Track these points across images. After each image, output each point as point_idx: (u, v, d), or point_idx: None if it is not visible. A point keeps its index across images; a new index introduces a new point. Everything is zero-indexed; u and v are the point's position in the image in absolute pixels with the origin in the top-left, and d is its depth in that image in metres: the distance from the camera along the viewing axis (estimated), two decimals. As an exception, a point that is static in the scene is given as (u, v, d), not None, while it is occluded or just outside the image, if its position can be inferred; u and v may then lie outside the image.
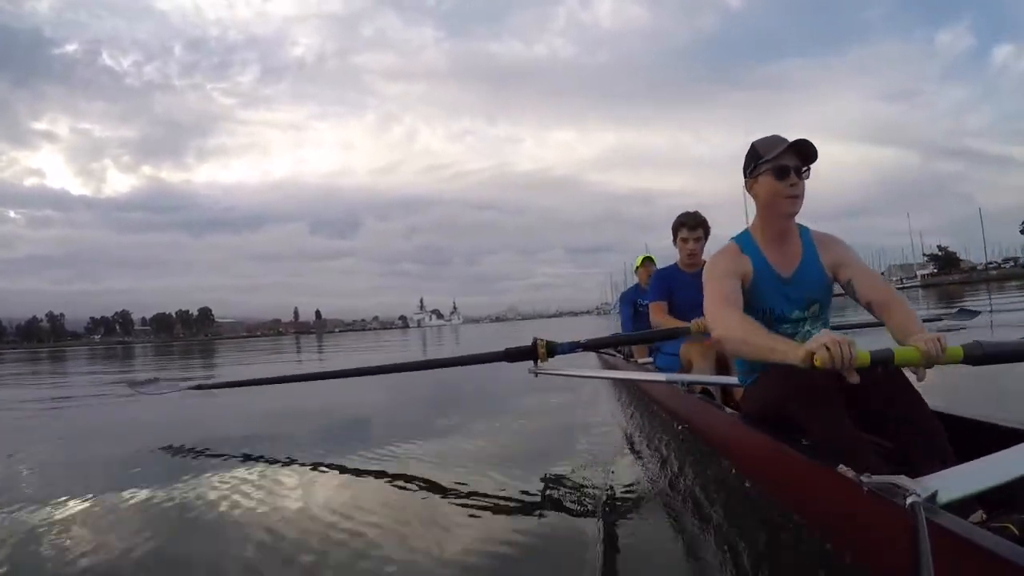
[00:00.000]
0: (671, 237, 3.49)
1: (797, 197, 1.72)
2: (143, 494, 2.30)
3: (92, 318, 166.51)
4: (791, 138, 1.72)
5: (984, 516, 1.18)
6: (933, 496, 1.05)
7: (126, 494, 2.31)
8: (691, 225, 3.34)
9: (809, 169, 1.73)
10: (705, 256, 3.37)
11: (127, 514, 2.10)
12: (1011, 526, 1.05)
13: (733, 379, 2.69)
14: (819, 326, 1.78)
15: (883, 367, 1.34)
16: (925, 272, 77.32)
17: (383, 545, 1.71)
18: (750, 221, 1.94)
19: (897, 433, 1.49)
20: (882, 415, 1.51)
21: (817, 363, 1.29)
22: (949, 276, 68.04)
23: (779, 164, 1.70)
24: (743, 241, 1.84)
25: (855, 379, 1.29)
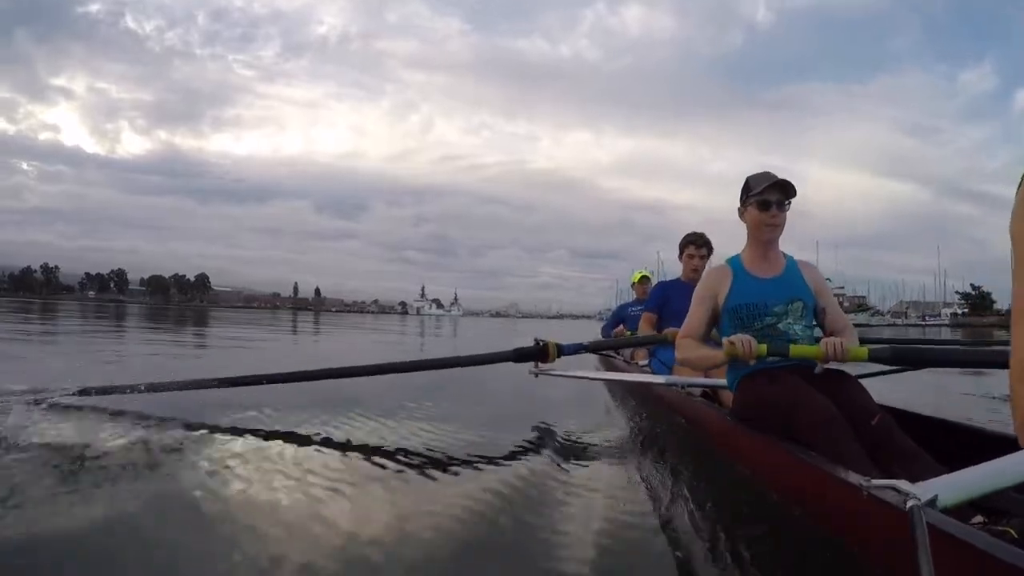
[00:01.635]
0: (678, 252, 3.90)
1: (776, 226, 2.10)
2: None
3: (87, 273, 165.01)
4: (779, 176, 2.09)
5: (984, 521, 1.21)
6: (933, 500, 1.09)
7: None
8: (699, 244, 3.82)
9: (790, 202, 2.09)
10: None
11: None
12: (1010, 530, 1.08)
13: (723, 381, 2.73)
14: (803, 323, 2.08)
15: (781, 357, 1.92)
16: (952, 311, 73.34)
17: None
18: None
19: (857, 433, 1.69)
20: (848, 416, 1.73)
21: (725, 353, 1.94)
22: (983, 317, 63.56)
23: (763, 198, 2.07)
24: (732, 260, 2.23)
25: (752, 361, 1.91)
